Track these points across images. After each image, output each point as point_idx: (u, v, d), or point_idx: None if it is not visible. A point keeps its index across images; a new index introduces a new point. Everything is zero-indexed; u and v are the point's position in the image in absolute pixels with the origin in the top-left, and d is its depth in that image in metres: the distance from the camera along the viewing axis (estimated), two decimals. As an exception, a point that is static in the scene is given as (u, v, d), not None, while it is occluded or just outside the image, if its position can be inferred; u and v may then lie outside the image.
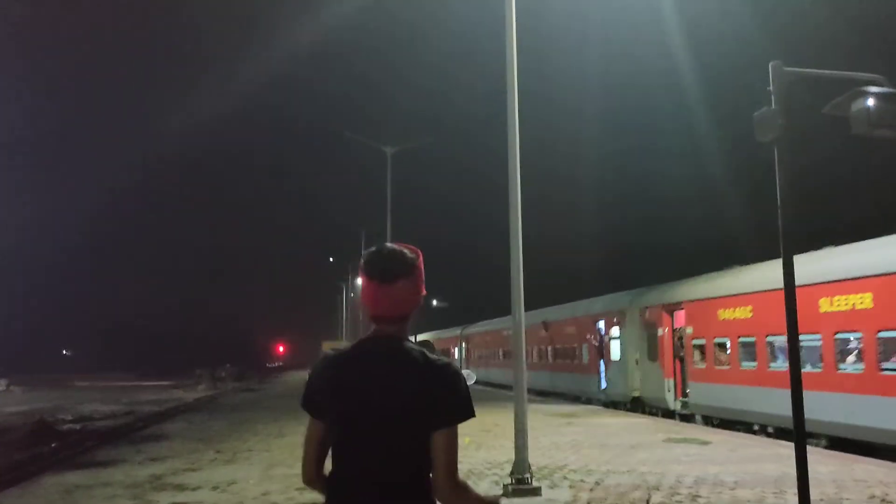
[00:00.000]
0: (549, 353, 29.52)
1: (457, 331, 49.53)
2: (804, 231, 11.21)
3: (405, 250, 2.42)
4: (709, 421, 16.63)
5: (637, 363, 20.72)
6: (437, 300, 37.89)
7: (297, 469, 8.82)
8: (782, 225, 6.51)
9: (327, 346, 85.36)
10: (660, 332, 19.29)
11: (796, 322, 6.42)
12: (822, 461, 11.09)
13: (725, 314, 16.18)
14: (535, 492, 8.45)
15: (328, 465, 2.37)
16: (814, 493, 8.46)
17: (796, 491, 8.09)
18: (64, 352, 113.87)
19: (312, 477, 2.43)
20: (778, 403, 12.40)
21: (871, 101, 6.45)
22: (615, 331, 22.81)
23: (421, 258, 2.45)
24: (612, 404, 22.24)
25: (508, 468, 8.99)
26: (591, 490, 8.74)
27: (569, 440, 13.65)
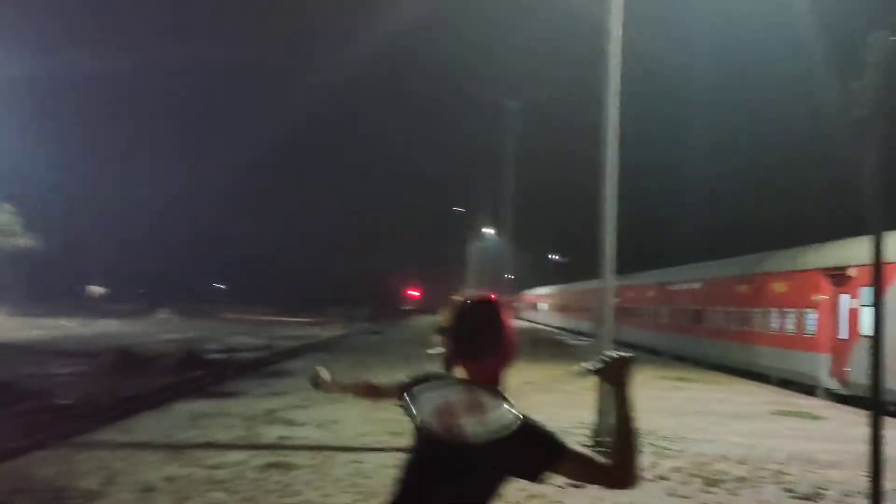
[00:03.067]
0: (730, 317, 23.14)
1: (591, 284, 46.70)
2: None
3: (490, 322, 2.30)
4: None
5: None
6: (558, 255, 37.75)
7: (395, 413, 9.42)
8: (870, 205, 6.21)
9: (458, 293, 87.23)
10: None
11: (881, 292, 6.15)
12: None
13: None
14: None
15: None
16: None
17: (893, 474, 7.85)
18: (215, 285, 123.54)
19: (369, 385, 2.94)
20: None
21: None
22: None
23: (507, 314, 2.34)
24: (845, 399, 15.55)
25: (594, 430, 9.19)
26: (673, 457, 8.81)
27: (672, 405, 13.58)
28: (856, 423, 12.19)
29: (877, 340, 6.20)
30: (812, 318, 17.87)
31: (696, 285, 25.87)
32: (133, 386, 15.21)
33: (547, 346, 30.82)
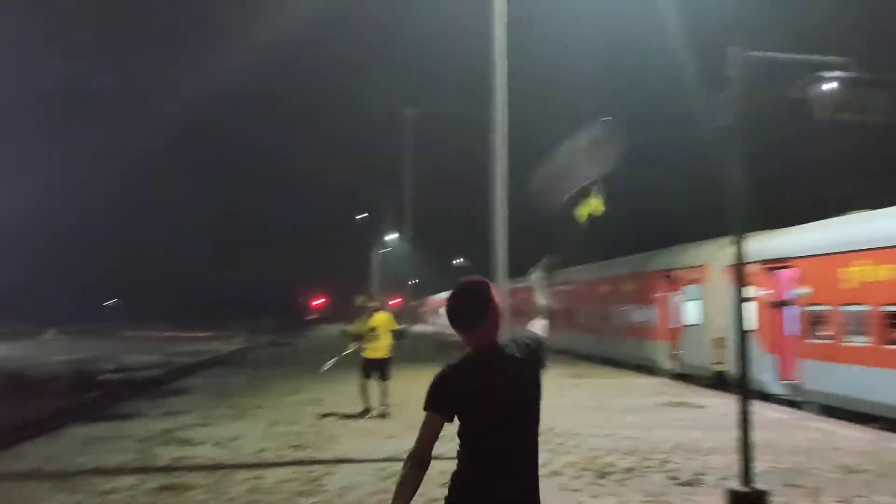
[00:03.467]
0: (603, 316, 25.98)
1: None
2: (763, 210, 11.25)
3: (477, 294, 2.90)
4: (829, 411, 12.82)
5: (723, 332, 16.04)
6: (457, 260, 38.36)
7: (298, 426, 9.44)
8: (736, 208, 6.70)
9: (359, 300, 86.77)
10: (756, 294, 15.20)
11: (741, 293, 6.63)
12: (810, 427, 11.35)
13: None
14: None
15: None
16: (786, 460, 8.82)
17: (770, 457, 8.45)
18: (107, 303, 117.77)
19: (426, 460, 2.86)
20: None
21: (834, 86, 6.55)
22: (692, 290, 18.81)
23: (493, 290, 2.92)
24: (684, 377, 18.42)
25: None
26: (568, 453, 9.15)
27: (569, 402, 14.02)
28: (735, 410, 12.99)
29: (743, 333, 6.69)
30: (654, 312, 21.05)
31: (575, 286, 28.66)
32: (23, 411, 14.41)
33: (452, 350, 31.08)
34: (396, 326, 12.88)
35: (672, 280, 20.09)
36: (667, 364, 19.93)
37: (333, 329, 57.55)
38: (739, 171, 6.62)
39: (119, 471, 8.22)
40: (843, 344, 12.86)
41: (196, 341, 48.58)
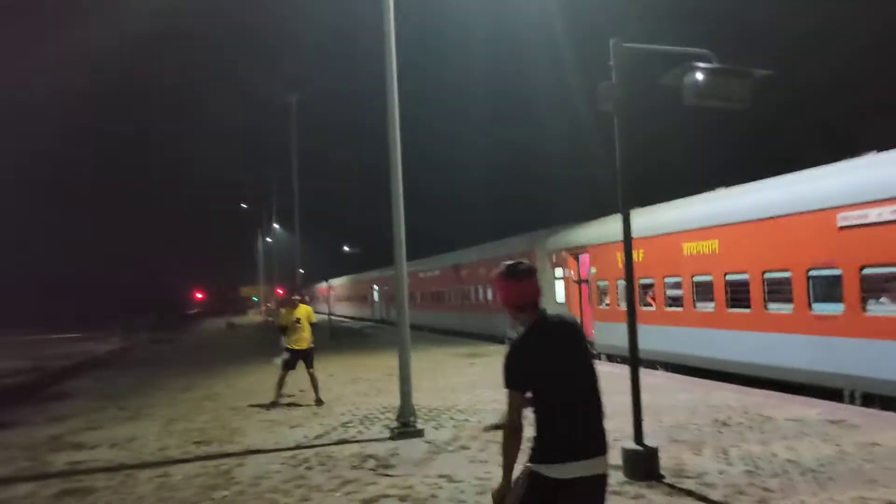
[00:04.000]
0: (460, 294, 31.13)
1: (374, 274, 51.02)
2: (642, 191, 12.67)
3: (534, 270, 3.56)
4: (612, 359, 17.09)
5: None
6: (349, 246, 38.25)
7: (198, 423, 9.30)
8: (621, 187, 7.22)
9: (246, 292, 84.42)
10: (565, 274, 20.54)
11: (632, 268, 7.21)
12: (686, 389, 12.31)
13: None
14: (419, 434, 9.16)
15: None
16: (668, 419, 9.58)
17: (653, 417, 9.14)
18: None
19: (521, 427, 3.33)
20: (673, 341, 15.09)
21: (699, 75, 7.16)
22: None
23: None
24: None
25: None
26: (471, 429, 9.53)
27: (466, 380, 14.50)
28: (618, 376, 13.84)
29: (631, 311, 7.23)
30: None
31: (437, 272, 33.31)
32: None
33: (344, 337, 31.12)
34: (315, 319, 12.87)
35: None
36: (510, 333, 21.85)
37: (219, 322, 55.99)
38: (626, 152, 7.14)
39: (11, 480, 7.84)
40: (619, 309, 16.66)
41: (66, 343, 45.75)
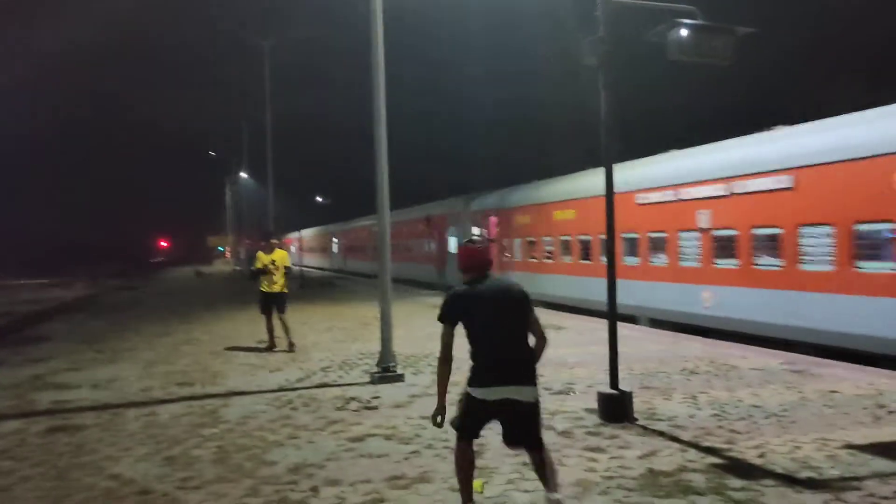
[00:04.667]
0: (404, 247, 34.88)
1: (331, 227, 53.38)
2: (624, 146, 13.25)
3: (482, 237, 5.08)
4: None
5: None
6: (322, 197, 38.11)
7: (179, 366, 9.45)
8: (604, 141, 7.38)
9: (213, 242, 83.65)
10: (480, 231, 25.32)
11: (613, 225, 7.43)
12: (655, 340, 12.74)
13: (520, 219, 22.97)
14: (399, 378, 9.42)
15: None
16: (638, 367, 9.96)
17: (625, 366, 9.49)
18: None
19: (450, 358, 4.54)
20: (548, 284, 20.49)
21: (683, 31, 7.30)
22: (452, 229, 28.14)
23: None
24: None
25: (378, 358, 9.86)
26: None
27: (434, 331, 14.75)
28: (590, 329, 14.27)
29: (611, 264, 7.46)
30: (432, 246, 31.34)
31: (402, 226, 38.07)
32: None
33: (315, 287, 31.23)
34: (289, 264, 12.95)
35: (440, 222, 29.94)
36: (438, 281, 28.56)
37: (187, 271, 55.58)
38: (610, 105, 7.28)
39: (-2, 417, 7.94)
40: (515, 261, 22.89)
41: (33, 289, 45.18)
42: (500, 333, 4.39)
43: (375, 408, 7.99)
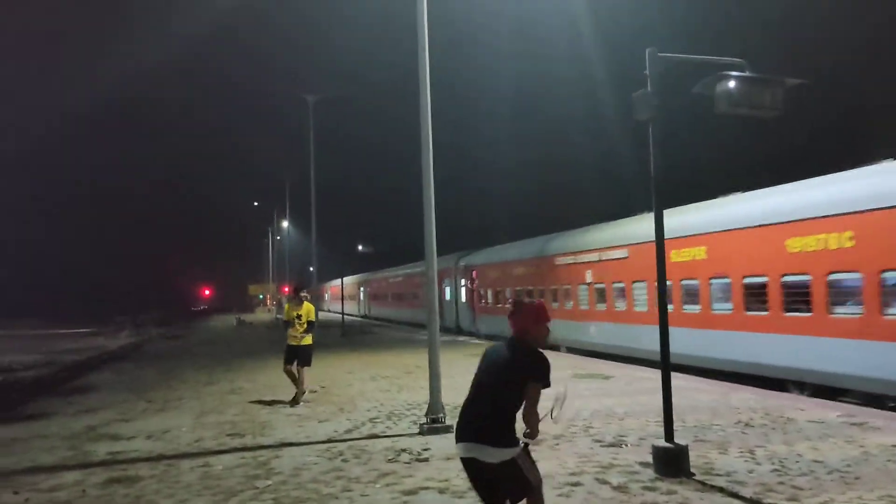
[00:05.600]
0: (414, 295, 39.64)
1: (361, 277, 55.11)
2: (672, 198, 13.60)
3: (524, 301, 4.61)
4: (491, 339, 23.49)
5: (456, 303, 33.31)
6: (363, 245, 38.53)
7: (228, 415, 9.54)
8: (655, 192, 7.42)
9: (254, 290, 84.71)
10: (466, 283, 31.86)
11: (664, 275, 7.42)
12: (705, 390, 12.50)
13: (491, 273, 29.09)
14: (448, 429, 9.36)
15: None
16: (691, 420, 9.77)
17: (676, 418, 9.33)
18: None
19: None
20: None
21: (731, 84, 7.36)
22: (446, 280, 33.68)
23: (536, 311, 4.52)
24: (444, 329, 31.19)
25: (426, 408, 9.85)
26: (498, 425, 9.73)
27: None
28: (637, 378, 14.09)
29: (663, 313, 7.42)
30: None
31: (389, 282, 48.68)
32: None
33: (358, 335, 31.35)
34: (314, 318, 13.09)
35: (441, 275, 33.90)
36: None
37: (228, 319, 56.27)
38: (658, 159, 7.34)
39: (58, 468, 8.07)
40: (488, 306, 28.59)
41: (78, 338, 46.12)
42: (478, 390, 4.38)
43: (426, 460, 7.96)
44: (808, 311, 12.41)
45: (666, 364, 7.38)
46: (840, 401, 11.34)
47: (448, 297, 33.84)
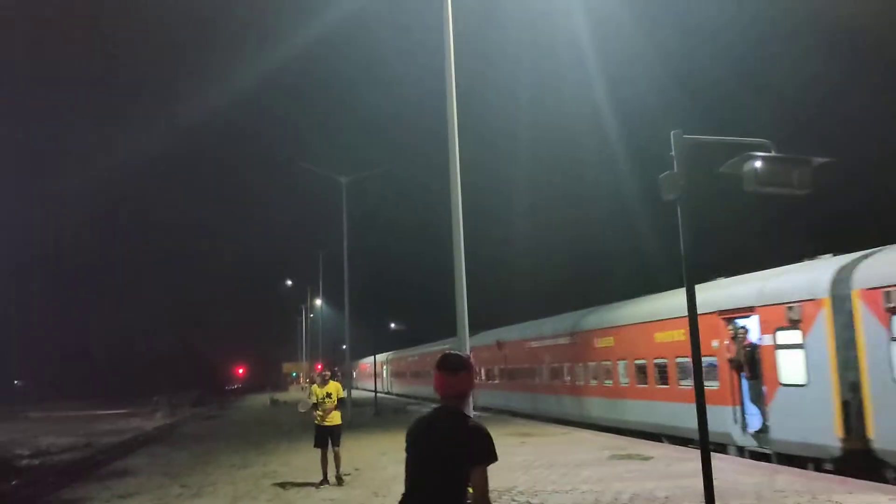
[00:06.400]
0: (426, 373, 42.66)
1: (384, 356, 56.33)
2: (703, 271, 13.94)
3: (462, 355, 3.92)
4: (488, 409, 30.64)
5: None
6: (396, 323, 38.67)
7: (261, 500, 9.54)
8: (686, 271, 7.43)
9: (288, 368, 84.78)
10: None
11: (699, 353, 7.33)
12: (747, 472, 12.10)
13: (482, 354, 32.94)
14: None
15: None
16: (735, 504, 9.44)
17: (720, 502, 9.04)
18: (16, 382, 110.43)
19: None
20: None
21: (758, 163, 7.44)
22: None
23: (472, 361, 3.95)
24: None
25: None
26: (536, 510, 9.52)
27: (520, 460, 14.42)
28: (678, 459, 13.70)
29: (699, 390, 7.31)
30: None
31: (417, 358, 50.15)
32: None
33: (391, 414, 31.07)
34: (343, 395, 13.10)
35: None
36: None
37: (262, 398, 56.20)
38: (688, 237, 7.38)
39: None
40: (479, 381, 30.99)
41: (114, 419, 46.39)
42: (415, 487, 3.78)
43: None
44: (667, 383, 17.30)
45: (705, 445, 7.21)
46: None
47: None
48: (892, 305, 11.19)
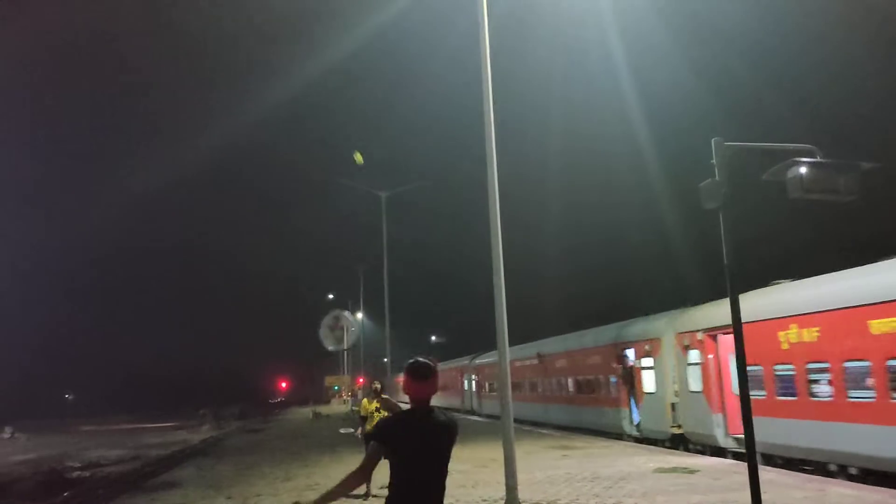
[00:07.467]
0: (444, 386, 47.54)
1: (464, 361, 53.10)
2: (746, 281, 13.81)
3: (429, 362, 4.22)
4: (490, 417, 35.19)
5: (469, 391, 45.07)
6: (436, 336, 38.78)
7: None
8: (729, 279, 7.32)
9: (330, 381, 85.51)
10: (473, 378, 43.87)
11: (744, 361, 7.21)
12: (797, 486, 11.79)
13: (486, 370, 40.15)
14: (526, 528, 9.14)
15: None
16: (786, 519, 9.20)
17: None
18: (67, 396, 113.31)
19: (369, 474, 4.13)
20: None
21: (804, 169, 7.31)
22: (466, 375, 45.13)
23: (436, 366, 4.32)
24: (463, 410, 43.81)
25: (502, 504, 9.65)
26: (579, 524, 9.41)
27: (563, 473, 14.29)
28: (726, 472, 13.42)
29: (745, 402, 7.18)
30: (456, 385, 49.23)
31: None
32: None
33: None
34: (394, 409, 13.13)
35: (460, 371, 48.24)
36: (461, 407, 44.98)
37: (304, 412, 56.72)
38: (730, 246, 7.27)
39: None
40: (485, 393, 40.67)
41: (161, 432, 47.31)
42: (427, 476, 4.01)
43: None
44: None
45: (752, 457, 7.07)
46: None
47: (465, 386, 46.14)
48: (685, 344, 17.97)
